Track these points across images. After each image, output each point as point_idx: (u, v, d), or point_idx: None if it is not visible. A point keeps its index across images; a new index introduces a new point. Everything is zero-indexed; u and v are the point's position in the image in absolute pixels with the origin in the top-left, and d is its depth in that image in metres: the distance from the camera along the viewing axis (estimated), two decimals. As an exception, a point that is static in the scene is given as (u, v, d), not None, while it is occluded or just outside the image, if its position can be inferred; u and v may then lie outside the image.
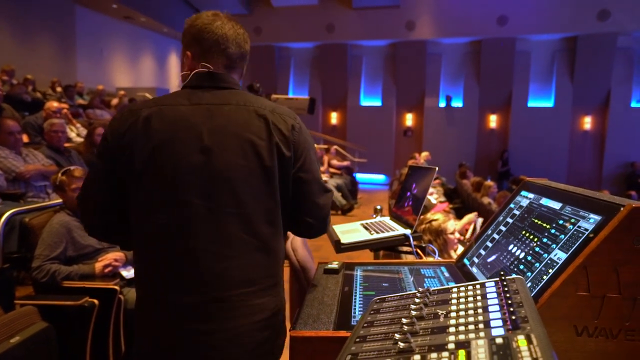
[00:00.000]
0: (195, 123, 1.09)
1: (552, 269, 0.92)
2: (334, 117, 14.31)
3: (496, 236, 1.29)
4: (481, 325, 0.65)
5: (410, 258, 1.75)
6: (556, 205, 1.11)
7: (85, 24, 11.22)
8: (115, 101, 8.96)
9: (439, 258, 1.72)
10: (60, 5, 10.42)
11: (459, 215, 5.04)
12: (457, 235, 2.68)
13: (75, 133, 5.96)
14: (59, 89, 8.44)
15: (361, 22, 13.11)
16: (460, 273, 1.33)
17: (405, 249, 1.74)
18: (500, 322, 0.63)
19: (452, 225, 2.66)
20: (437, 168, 1.62)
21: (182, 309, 1.07)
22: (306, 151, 1.19)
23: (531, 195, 1.28)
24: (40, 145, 4.37)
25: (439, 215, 2.67)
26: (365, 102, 14.08)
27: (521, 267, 1.05)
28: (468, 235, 3.71)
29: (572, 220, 0.99)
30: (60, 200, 2.71)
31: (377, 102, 13.98)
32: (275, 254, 1.17)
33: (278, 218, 1.17)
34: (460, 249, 2.85)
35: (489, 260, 1.24)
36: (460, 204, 7.51)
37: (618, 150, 12.00)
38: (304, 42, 14.00)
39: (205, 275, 1.07)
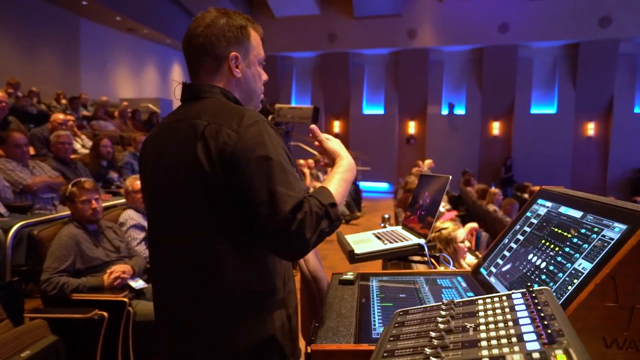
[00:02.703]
0: (160, 144, 1.11)
1: (577, 279, 0.91)
2: (337, 126, 14.36)
3: (514, 245, 1.27)
4: (514, 339, 0.63)
5: (421, 267, 1.72)
6: (577, 213, 1.10)
7: (89, 36, 11.31)
8: (117, 112, 8.99)
9: (453, 267, 1.69)
10: (64, 18, 10.51)
11: (465, 223, 5.01)
12: (467, 243, 2.66)
13: (80, 144, 5.98)
14: (63, 101, 8.48)
15: (363, 31, 13.19)
16: (478, 283, 1.31)
17: (416, 258, 1.71)
18: (534, 336, 0.61)
19: (462, 233, 2.64)
20: (450, 177, 1.60)
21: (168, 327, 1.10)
22: (243, 167, 0.96)
23: (549, 204, 1.26)
24: (46, 157, 4.37)
25: (449, 224, 2.65)
26: (368, 110, 14.12)
27: (543, 277, 1.03)
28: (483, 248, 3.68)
29: (596, 229, 0.97)
30: (68, 212, 2.70)
31: (380, 110, 14.02)
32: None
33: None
34: (469, 257, 2.83)
35: (507, 269, 1.22)
36: (465, 211, 7.48)
37: (622, 156, 11.98)
38: (306, 51, 14.11)
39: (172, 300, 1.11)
